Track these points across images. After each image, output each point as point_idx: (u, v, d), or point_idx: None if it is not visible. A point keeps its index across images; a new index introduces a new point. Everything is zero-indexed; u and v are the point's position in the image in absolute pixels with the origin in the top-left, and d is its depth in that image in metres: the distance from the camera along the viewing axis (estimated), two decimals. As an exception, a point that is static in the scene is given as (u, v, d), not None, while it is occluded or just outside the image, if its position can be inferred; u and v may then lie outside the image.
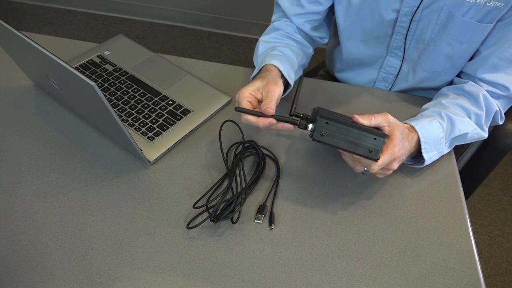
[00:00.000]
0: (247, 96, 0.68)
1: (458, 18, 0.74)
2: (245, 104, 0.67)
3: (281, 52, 0.80)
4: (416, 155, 0.74)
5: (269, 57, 0.78)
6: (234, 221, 0.65)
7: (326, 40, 0.95)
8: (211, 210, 0.64)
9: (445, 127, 0.73)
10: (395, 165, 0.67)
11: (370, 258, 0.64)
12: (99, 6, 2.32)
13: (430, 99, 0.86)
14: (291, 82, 0.78)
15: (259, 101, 0.70)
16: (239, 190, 0.67)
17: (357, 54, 0.92)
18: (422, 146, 0.71)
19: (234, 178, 0.68)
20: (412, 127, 0.71)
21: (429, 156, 0.72)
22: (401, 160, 0.68)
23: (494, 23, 0.74)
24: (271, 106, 0.66)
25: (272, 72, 0.75)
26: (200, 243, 0.63)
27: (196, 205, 0.66)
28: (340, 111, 0.75)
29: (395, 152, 0.64)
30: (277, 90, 0.69)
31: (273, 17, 0.92)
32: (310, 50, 0.91)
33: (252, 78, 0.79)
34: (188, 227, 0.64)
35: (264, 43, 0.85)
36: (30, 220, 0.64)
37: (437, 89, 0.89)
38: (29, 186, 0.68)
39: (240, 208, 0.65)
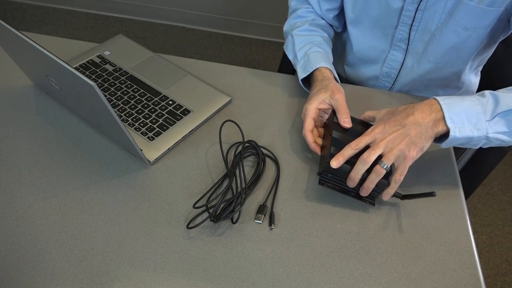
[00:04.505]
0: (312, 113, 0.73)
1: (465, 3, 0.75)
2: (310, 122, 0.72)
3: (321, 49, 0.84)
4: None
5: (315, 58, 0.81)
6: (234, 221, 0.65)
7: (339, 30, 0.99)
8: (211, 210, 0.64)
9: (484, 103, 0.63)
10: (398, 143, 0.62)
11: (370, 258, 0.64)
12: (99, 6, 2.32)
13: None
14: (338, 81, 0.81)
15: (325, 111, 0.76)
16: (239, 190, 0.67)
17: (363, 46, 0.93)
18: (446, 115, 0.62)
19: (234, 178, 0.68)
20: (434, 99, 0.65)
21: (455, 126, 0.62)
22: (403, 134, 0.62)
23: (502, 8, 0.74)
24: (348, 119, 0.70)
25: (328, 78, 0.78)
26: (200, 243, 0.63)
27: (196, 205, 0.66)
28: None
29: (375, 131, 0.65)
30: (343, 97, 0.73)
31: (292, 3, 0.95)
32: (333, 33, 0.96)
33: (302, 80, 0.83)
34: (188, 227, 0.64)
35: (298, 36, 0.88)
36: (30, 220, 0.64)
37: (443, 83, 0.88)
38: (29, 186, 0.68)
39: (240, 208, 0.65)
